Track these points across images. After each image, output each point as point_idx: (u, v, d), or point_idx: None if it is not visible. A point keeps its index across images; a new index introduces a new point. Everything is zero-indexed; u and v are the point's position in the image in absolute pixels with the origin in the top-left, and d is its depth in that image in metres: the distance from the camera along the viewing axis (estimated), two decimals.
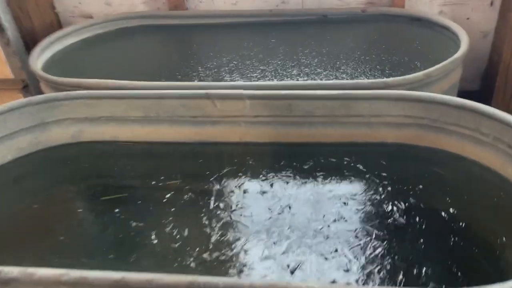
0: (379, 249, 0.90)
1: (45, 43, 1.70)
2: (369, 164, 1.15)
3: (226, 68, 1.55)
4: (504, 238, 0.90)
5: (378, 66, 1.45)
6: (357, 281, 0.84)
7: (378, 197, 1.04)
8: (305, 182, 1.11)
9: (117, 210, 1.07)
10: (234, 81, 1.44)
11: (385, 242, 0.92)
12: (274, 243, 0.94)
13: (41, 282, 0.73)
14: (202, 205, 1.06)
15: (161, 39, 1.94)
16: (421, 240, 0.92)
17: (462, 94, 1.40)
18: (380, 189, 1.07)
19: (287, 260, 0.89)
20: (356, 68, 1.45)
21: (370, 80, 1.21)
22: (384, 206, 1.01)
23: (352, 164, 1.16)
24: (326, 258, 0.89)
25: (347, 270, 0.86)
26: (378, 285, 0.82)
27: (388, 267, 0.86)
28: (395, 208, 1.00)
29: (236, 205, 1.05)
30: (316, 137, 1.23)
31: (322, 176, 1.13)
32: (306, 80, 1.40)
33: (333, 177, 1.12)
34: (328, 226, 0.97)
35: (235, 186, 1.12)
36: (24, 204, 1.12)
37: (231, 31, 1.88)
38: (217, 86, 1.25)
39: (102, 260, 0.94)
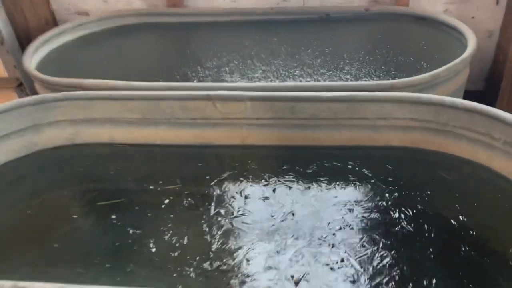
0: (387, 259, 0.87)
1: (40, 41, 1.67)
2: (375, 169, 1.13)
3: (226, 68, 1.53)
4: None
5: (383, 67, 1.42)
6: None
7: (384, 204, 1.01)
8: (309, 188, 1.08)
9: (113, 216, 1.04)
10: (235, 81, 1.42)
11: (392, 251, 0.89)
12: (277, 252, 0.91)
13: None
14: (202, 211, 1.04)
15: (159, 37, 1.91)
16: (430, 250, 0.89)
17: (465, 94, 1.38)
18: (387, 195, 1.04)
19: (291, 270, 0.87)
20: (361, 68, 1.43)
21: (376, 82, 1.18)
22: (391, 213, 0.99)
23: (357, 169, 1.13)
24: (332, 269, 0.86)
25: (354, 282, 0.83)
26: None
27: (397, 278, 0.83)
28: (402, 216, 0.97)
29: (238, 212, 1.03)
30: (320, 140, 1.20)
31: (326, 181, 1.10)
32: (309, 81, 1.37)
33: (337, 182, 1.10)
34: (333, 234, 0.94)
35: (236, 192, 1.09)
36: (17, 209, 1.09)
37: (231, 30, 1.85)
38: (218, 87, 1.23)
39: (98, 270, 0.91)
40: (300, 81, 1.38)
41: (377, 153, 1.18)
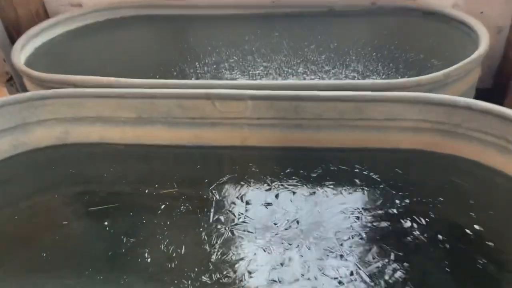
0: (399, 272, 0.82)
1: (30, 35, 1.61)
2: (383, 173, 1.08)
3: (226, 64, 1.47)
4: None
5: (391, 64, 1.37)
6: None
7: (394, 211, 0.97)
8: (314, 193, 1.04)
9: (106, 223, 0.99)
10: (235, 78, 1.37)
11: (405, 264, 0.84)
12: (281, 264, 0.86)
13: None
14: (201, 218, 0.99)
15: (155, 31, 1.85)
16: (445, 262, 0.85)
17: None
18: (397, 201, 0.99)
19: (296, 285, 0.82)
20: (367, 66, 1.38)
21: (386, 81, 1.13)
22: (402, 221, 0.94)
23: (365, 173, 1.09)
24: (340, 282, 0.82)
25: None
26: None
27: None
28: (414, 224, 0.93)
29: (238, 219, 0.98)
30: (325, 142, 1.16)
31: (332, 186, 1.06)
32: (314, 78, 1.32)
33: (344, 187, 1.05)
34: (341, 244, 0.89)
35: (237, 197, 1.04)
36: (3, 214, 1.05)
37: (231, 24, 1.79)
38: (217, 85, 1.17)
39: (89, 282, 0.86)
40: (304, 78, 1.33)
41: (386, 156, 1.14)
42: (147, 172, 1.17)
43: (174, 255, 0.89)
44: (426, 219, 0.94)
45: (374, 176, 1.07)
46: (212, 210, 1.00)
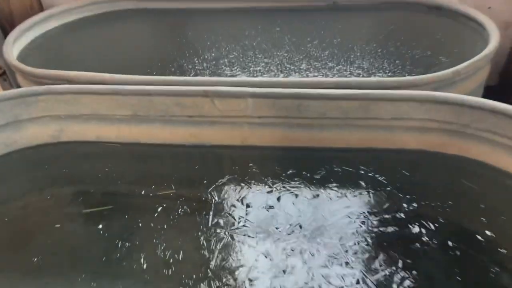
0: (408, 281, 0.79)
1: (23, 28, 1.56)
2: (389, 174, 1.05)
3: (226, 60, 1.44)
4: None
5: (397, 61, 1.33)
6: None
7: (402, 215, 0.93)
8: (317, 195, 1.00)
9: (100, 226, 0.96)
10: (235, 75, 1.33)
11: (413, 271, 0.81)
12: (283, 271, 0.83)
13: None
14: (199, 221, 0.96)
15: (153, 25, 1.80)
16: (456, 270, 0.81)
17: None
18: (404, 205, 0.96)
19: None
20: (373, 62, 1.34)
21: (393, 78, 1.09)
22: (410, 226, 0.90)
23: (370, 174, 1.05)
24: None
25: None
26: None
27: None
28: (422, 230, 0.89)
29: (238, 222, 0.94)
30: (329, 141, 1.12)
31: (336, 188, 1.02)
32: (317, 76, 1.28)
33: (349, 189, 1.02)
34: (346, 251, 0.86)
35: (237, 199, 1.01)
36: None
37: (231, 18, 1.75)
38: (216, 82, 1.14)
39: None
40: (307, 75, 1.29)
41: (392, 157, 1.10)
42: (143, 172, 1.13)
43: (171, 260, 0.86)
44: (435, 224, 0.90)
45: (380, 178, 1.04)
46: (211, 213, 0.97)
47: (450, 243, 0.86)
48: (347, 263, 0.83)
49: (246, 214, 0.96)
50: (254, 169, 1.08)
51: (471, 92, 1.23)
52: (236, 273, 0.83)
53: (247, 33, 1.62)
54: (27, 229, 0.98)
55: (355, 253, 0.85)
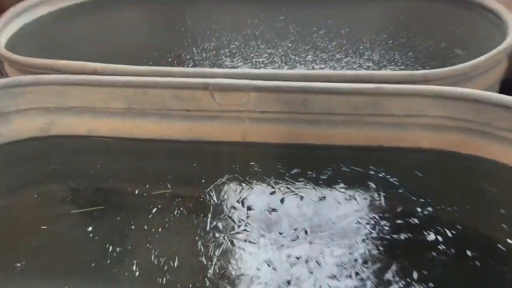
0: None
1: (11, 14, 1.51)
2: (402, 175, 0.99)
3: (226, 51, 1.39)
4: None
5: (410, 53, 1.28)
6: None
7: (416, 221, 0.88)
8: (324, 198, 0.95)
9: (90, 229, 0.90)
10: (236, 66, 1.28)
11: (430, 285, 0.76)
12: (288, 282, 0.77)
13: None
14: (196, 225, 0.90)
15: (150, 12, 1.75)
16: (476, 283, 0.76)
17: None
18: (418, 209, 0.90)
19: None
20: (384, 54, 1.29)
21: (407, 72, 1.05)
22: (425, 233, 0.85)
23: (381, 175, 1.00)
24: None
25: None
26: None
27: None
28: (438, 237, 0.84)
29: (239, 227, 0.89)
30: (336, 139, 1.07)
31: (344, 190, 0.97)
32: (324, 68, 1.23)
33: (357, 191, 0.96)
34: (356, 260, 0.80)
35: (237, 200, 0.95)
36: None
37: (233, 5, 1.70)
38: (217, 74, 1.10)
39: None
40: (313, 68, 1.24)
41: (404, 157, 1.05)
42: (137, 170, 1.09)
43: (165, 268, 0.81)
44: (452, 231, 0.85)
45: (391, 179, 0.98)
46: (209, 215, 0.92)
47: (469, 253, 0.80)
48: (357, 274, 0.78)
49: (247, 217, 0.91)
50: (256, 168, 1.03)
51: (488, 88, 1.17)
52: (236, 282, 0.78)
53: (249, 21, 1.58)
54: (10, 230, 0.93)
55: (365, 262, 0.80)
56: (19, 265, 0.83)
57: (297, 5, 1.67)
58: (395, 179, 0.98)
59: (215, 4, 1.72)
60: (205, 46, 1.43)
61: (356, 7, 1.64)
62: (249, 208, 0.93)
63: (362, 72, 1.16)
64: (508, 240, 0.83)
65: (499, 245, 0.82)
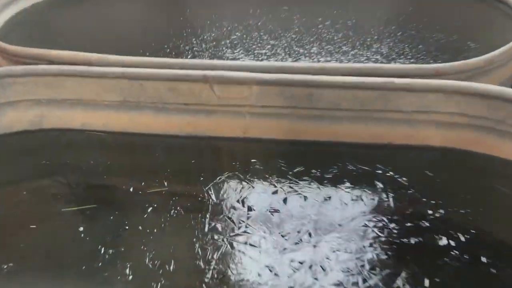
0: None
1: (2, 3, 1.50)
2: (411, 175, 0.96)
3: (227, 42, 1.37)
4: None
5: (420, 46, 1.25)
6: None
7: (426, 224, 0.84)
8: (329, 198, 0.91)
9: (81, 229, 0.87)
10: (237, 58, 1.27)
11: None
12: None
13: None
14: (194, 226, 0.87)
15: (146, 0, 1.73)
16: None
17: None
18: (429, 212, 0.87)
19: None
20: (393, 47, 1.27)
21: (417, 66, 1.02)
22: (436, 237, 0.81)
23: (388, 174, 0.96)
24: None
25: None
26: None
27: None
28: (451, 242, 0.80)
29: (239, 228, 0.85)
30: (342, 136, 1.05)
31: (350, 190, 0.93)
32: (329, 61, 1.21)
33: (364, 191, 0.93)
34: (363, 265, 0.77)
35: (237, 200, 0.92)
36: None
37: None
38: (217, 66, 1.07)
39: None
40: (318, 60, 1.21)
41: (413, 155, 1.02)
42: (132, 166, 1.06)
43: (161, 271, 0.77)
44: (465, 235, 0.81)
45: (400, 179, 0.95)
46: (207, 215, 0.88)
47: (483, 259, 0.77)
48: (364, 281, 0.74)
49: (248, 218, 0.87)
50: (257, 166, 1.00)
51: (502, 83, 1.13)
52: None
53: (251, 11, 1.55)
54: None
55: (373, 268, 0.76)
56: (5, 266, 0.80)
57: None
58: (404, 178, 0.95)
59: None
60: (205, 37, 1.41)
61: None
62: (249, 209, 0.90)
63: (370, 65, 1.13)
64: None
65: None
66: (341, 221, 0.86)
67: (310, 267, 0.77)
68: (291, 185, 0.94)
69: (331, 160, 1.00)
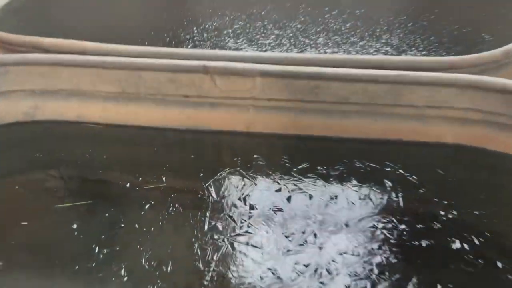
0: None
1: None
2: (422, 173, 0.93)
3: (230, 31, 1.35)
4: None
5: (432, 37, 1.23)
6: None
7: (438, 225, 0.82)
8: (335, 197, 0.89)
9: (75, 226, 0.85)
10: (240, 49, 1.25)
11: None
12: None
13: None
14: (193, 224, 0.84)
15: None
16: None
17: None
18: (441, 212, 0.84)
19: None
20: (403, 38, 1.25)
21: (430, 58, 0.99)
22: (449, 240, 0.78)
23: (398, 172, 0.94)
24: None
25: None
26: None
27: None
28: (465, 245, 0.77)
29: (240, 228, 0.83)
30: (350, 131, 1.03)
31: (357, 188, 0.91)
32: (337, 52, 1.19)
33: (373, 190, 0.90)
34: (371, 270, 0.74)
35: (239, 197, 0.90)
36: None
37: None
38: (218, 57, 1.06)
39: None
40: (325, 52, 1.19)
41: (425, 152, 1.00)
42: (130, 161, 1.04)
43: (157, 273, 0.75)
44: (480, 238, 0.78)
45: (410, 178, 0.92)
46: (207, 214, 0.86)
47: (499, 264, 0.74)
48: (373, 286, 0.71)
49: (250, 217, 0.85)
50: (260, 161, 0.98)
51: None
52: None
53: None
54: None
55: (382, 273, 0.73)
56: None
57: None
58: (415, 177, 0.92)
59: None
60: (206, 26, 1.39)
61: None
62: (251, 207, 0.87)
63: (380, 57, 1.11)
64: None
65: None
66: (348, 222, 0.83)
67: (316, 270, 0.74)
68: (296, 182, 0.92)
69: (338, 156, 0.98)
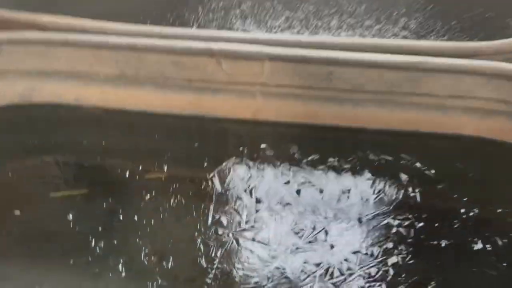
0: None
1: None
2: (440, 167, 0.91)
3: (237, 11, 1.34)
4: None
5: (453, 22, 1.22)
6: None
7: (459, 224, 0.79)
8: (348, 191, 0.87)
9: (70, 216, 0.83)
10: (248, 30, 1.25)
11: None
12: None
13: None
14: (196, 218, 0.83)
15: None
16: None
17: None
18: (461, 210, 0.82)
19: None
20: (422, 22, 1.23)
21: (453, 44, 0.96)
22: (470, 240, 0.75)
23: (415, 166, 0.92)
24: None
25: None
26: None
27: None
28: (487, 246, 0.74)
29: (246, 222, 0.81)
30: (364, 121, 1.01)
31: (371, 182, 0.89)
32: (352, 36, 1.18)
33: (388, 184, 0.88)
34: (387, 271, 0.71)
35: (245, 190, 0.88)
36: None
37: None
38: (224, 39, 1.03)
39: None
40: (339, 35, 1.18)
41: (443, 144, 0.98)
42: (129, 148, 1.03)
43: (157, 269, 0.74)
44: (503, 239, 0.75)
45: (427, 172, 0.90)
46: (211, 207, 0.85)
47: None
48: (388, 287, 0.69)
49: (256, 211, 0.83)
50: (268, 152, 0.97)
51: None
52: None
53: None
54: None
55: (397, 275, 0.70)
56: None
57: None
58: (433, 171, 0.90)
59: None
60: (212, 6, 1.38)
61: None
62: (258, 200, 0.85)
63: (398, 41, 1.10)
64: None
65: None
66: (361, 218, 0.81)
67: (327, 270, 0.72)
68: (305, 175, 0.91)
69: (351, 148, 0.97)
